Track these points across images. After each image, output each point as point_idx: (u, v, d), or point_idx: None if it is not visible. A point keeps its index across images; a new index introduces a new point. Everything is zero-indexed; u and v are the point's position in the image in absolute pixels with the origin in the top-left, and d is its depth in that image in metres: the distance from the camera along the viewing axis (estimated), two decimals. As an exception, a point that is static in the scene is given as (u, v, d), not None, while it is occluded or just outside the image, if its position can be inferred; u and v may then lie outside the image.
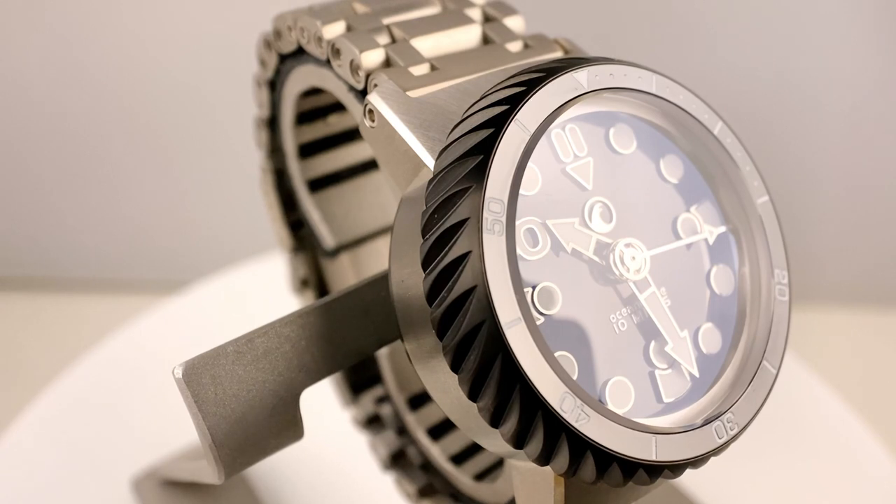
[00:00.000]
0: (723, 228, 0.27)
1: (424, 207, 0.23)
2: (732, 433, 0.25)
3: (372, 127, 0.26)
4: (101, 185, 0.71)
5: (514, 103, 0.23)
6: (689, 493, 0.41)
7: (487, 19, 0.31)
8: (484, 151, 0.22)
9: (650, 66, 0.27)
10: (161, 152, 0.70)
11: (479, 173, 0.22)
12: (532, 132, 0.23)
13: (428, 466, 0.39)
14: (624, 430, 0.23)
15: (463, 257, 0.22)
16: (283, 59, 0.33)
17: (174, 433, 0.43)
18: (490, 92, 0.24)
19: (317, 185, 0.38)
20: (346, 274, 0.40)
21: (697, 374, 0.26)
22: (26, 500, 0.43)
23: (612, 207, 0.26)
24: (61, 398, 0.48)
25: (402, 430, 0.40)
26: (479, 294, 0.21)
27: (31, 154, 0.70)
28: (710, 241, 0.27)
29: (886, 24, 0.61)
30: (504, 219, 0.22)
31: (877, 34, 0.62)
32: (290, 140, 0.37)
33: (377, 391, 0.41)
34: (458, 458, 0.37)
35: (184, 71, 0.66)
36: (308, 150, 0.37)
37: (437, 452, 0.37)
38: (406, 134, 0.25)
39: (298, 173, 0.38)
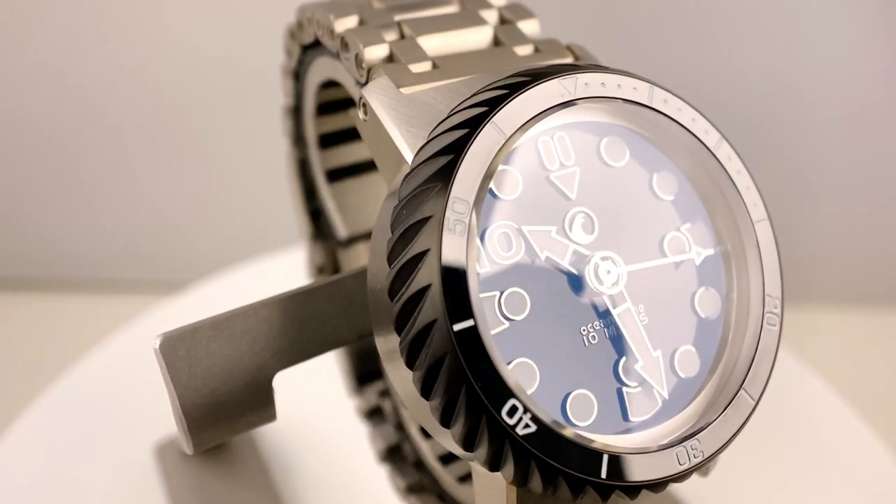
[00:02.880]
0: (713, 250, 0.26)
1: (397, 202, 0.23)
2: (696, 460, 0.24)
3: (364, 120, 0.26)
4: (102, 186, 0.71)
5: (492, 106, 0.23)
6: (682, 493, 0.40)
7: (503, 21, 0.31)
8: (454, 151, 0.22)
9: (649, 64, 0.26)
10: (161, 152, 0.70)
11: (448, 172, 0.22)
12: (508, 135, 0.23)
13: (420, 464, 0.39)
14: (572, 445, 0.22)
15: (422, 255, 0.22)
16: (305, 50, 0.34)
17: (175, 432, 0.44)
18: (475, 93, 0.24)
19: (334, 175, 0.39)
20: (360, 264, 0.40)
21: (667, 396, 0.25)
22: (28, 500, 0.44)
23: (595, 219, 0.25)
24: (62, 399, 0.48)
25: (400, 426, 0.40)
26: (434, 292, 0.21)
27: (31, 153, 0.70)
28: (698, 263, 0.26)
29: (887, 22, 0.59)
30: (467, 219, 0.22)
31: (877, 32, 0.61)
32: (311, 130, 0.38)
33: (381, 384, 0.41)
34: (446, 459, 0.37)
35: (184, 73, 0.66)
36: (328, 141, 0.38)
37: (427, 450, 0.38)
38: (391, 129, 0.25)
39: (318, 163, 0.39)
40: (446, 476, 0.36)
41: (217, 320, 0.27)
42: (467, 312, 0.21)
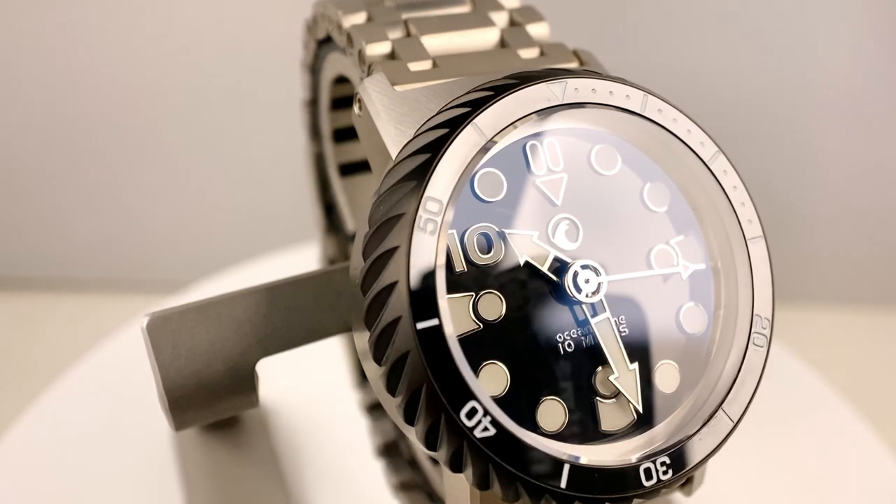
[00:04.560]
0: (702, 266, 0.26)
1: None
2: (666, 478, 0.23)
3: (359, 115, 0.27)
4: (101, 185, 0.70)
5: (475, 107, 0.23)
6: (678, 494, 0.39)
7: (512, 24, 0.31)
8: (432, 150, 0.22)
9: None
10: (161, 152, 0.69)
11: (423, 171, 0.22)
12: (489, 137, 0.23)
13: (414, 462, 0.39)
14: (532, 451, 0.22)
15: (391, 251, 0.22)
16: (320, 44, 0.35)
17: (175, 433, 0.44)
18: (463, 94, 0.24)
19: (346, 169, 0.39)
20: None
21: (642, 410, 0.24)
22: (33, 495, 0.43)
23: (580, 227, 0.25)
24: (62, 399, 0.48)
25: (399, 422, 0.40)
26: (400, 290, 0.22)
27: (31, 153, 0.69)
28: (685, 277, 0.26)
29: (887, 21, 0.59)
30: (440, 219, 0.22)
31: (878, 31, 0.60)
32: (326, 124, 0.38)
33: (384, 379, 0.42)
34: (436, 459, 0.37)
35: (184, 73, 0.65)
36: (341, 136, 0.39)
37: (420, 449, 0.38)
38: (380, 125, 0.25)
39: (332, 157, 0.39)
40: (435, 476, 0.36)
41: (204, 304, 0.27)
42: (432, 311, 0.21)
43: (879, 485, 0.44)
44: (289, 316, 0.28)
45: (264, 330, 0.28)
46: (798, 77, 0.63)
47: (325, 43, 0.34)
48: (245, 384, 0.28)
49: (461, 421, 0.21)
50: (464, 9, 0.31)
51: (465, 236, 0.24)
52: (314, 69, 0.37)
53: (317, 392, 0.49)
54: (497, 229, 0.24)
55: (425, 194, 0.22)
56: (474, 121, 0.23)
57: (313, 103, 0.39)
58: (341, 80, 0.35)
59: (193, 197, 0.70)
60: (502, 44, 0.29)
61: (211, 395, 0.27)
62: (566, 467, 0.22)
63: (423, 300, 0.21)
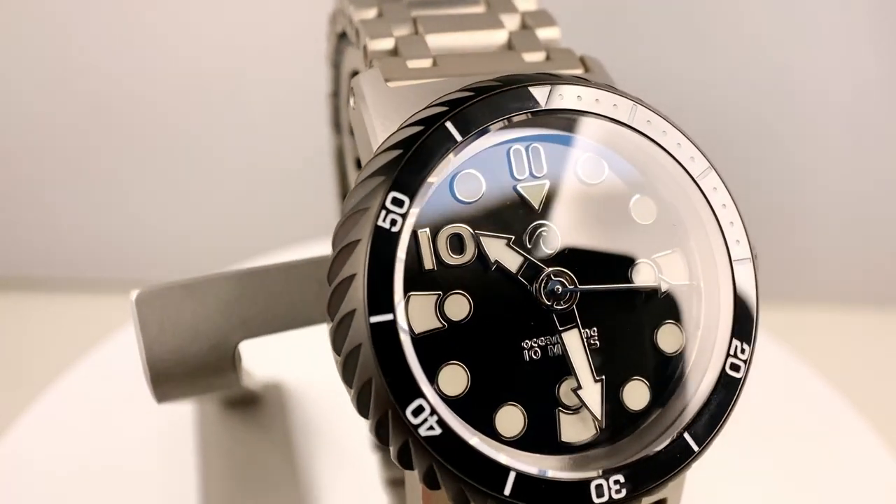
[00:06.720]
0: (683, 283, 0.25)
1: None
2: (618, 496, 0.23)
3: (353, 109, 0.27)
4: (101, 184, 0.70)
5: (452, 106, 0.23)
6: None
7: (523, 27, 0.30)
8: (404, 147, 0.23)
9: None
10: (161, 152, 0.69)
11: (393, 167, 0.22)
12: (463, 138, 0.23)
13: (407, 458, 0.39)
14: (478, 455, 0.22)
15: (353, 244, 0.22)
16: (340, 38, 0.35)
17: (175, 433, 0.45)
18: (447, 93, 0.24)
19: (361, 164, 0.40)
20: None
21: (604, 425, 0.24)
22: (30, 501, 0.43)
23: (558, 234, 0.24)
24: (62, 399, 0.48)
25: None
26: (357, 283, 0.22)
27: (32, 153, 0.69)
28: (665, 294, 0.25)
29: (887, 21, 0.58)
30: (403, 215, 0.22)
31: (878, 31, 0.59)
32: (346, 117, 0.39)
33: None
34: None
35: (184, 75, 0.65)
36: (359, 130, 0.39)
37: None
38: (368, 120, 0.25)
39: (349, 150, 0.40)
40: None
41: (192, 282, 0.28)
42: (387, 306, 0.22)
43: (879, 485, 0.44)
44: (274, 301, 0.28)
45: (248, 312, 0.28)
46: (799, 76, 0.62)
47: (344, 37, 0.34)
48: (226, 363, 0.28)
49: (406, 418, 0.21)
50: (477, 9, 0.31)
51: (438, 235, 0.24)
52: (335, 62, 0.37)
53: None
54: (471, 231, 0.24)
55: (391, 190, 0.22)
56: (449, 120, 0.23)
57: (335, 96, 0.39)
58: (357, 74, 0.36)
59: (194, 196, 0.71)
60: (509, 46, 0.29)
61: (193, 371, 0.28)
62: (512, 475, 0.22)
63: (379, 294, 0.22)
